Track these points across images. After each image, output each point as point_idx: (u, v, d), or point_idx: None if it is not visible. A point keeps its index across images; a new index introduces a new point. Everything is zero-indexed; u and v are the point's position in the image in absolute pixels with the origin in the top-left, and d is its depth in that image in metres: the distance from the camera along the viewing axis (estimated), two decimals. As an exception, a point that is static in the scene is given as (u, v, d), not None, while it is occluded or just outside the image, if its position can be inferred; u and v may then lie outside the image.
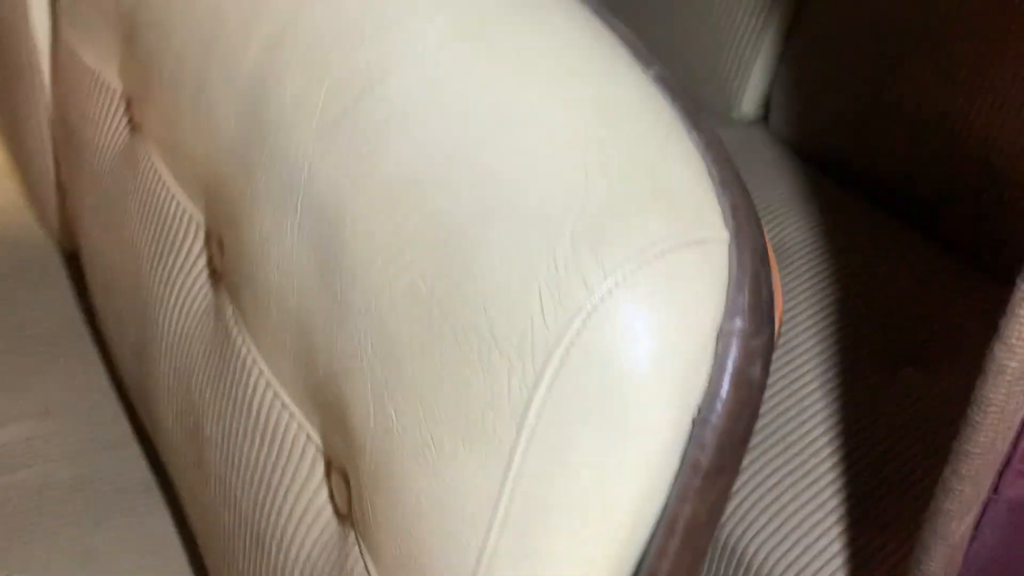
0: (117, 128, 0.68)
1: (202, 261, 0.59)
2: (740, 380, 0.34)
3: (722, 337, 0.34)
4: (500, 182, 0.36)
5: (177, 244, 0.61)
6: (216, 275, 0.57)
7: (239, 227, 0.51)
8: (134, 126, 0.66)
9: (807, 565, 0.72)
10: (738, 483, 0.77)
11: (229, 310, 0.54)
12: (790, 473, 0.77)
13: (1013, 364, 0.38)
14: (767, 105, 1.16)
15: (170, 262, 0.61)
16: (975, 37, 0.91)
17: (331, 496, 0.46)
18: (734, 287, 0.35)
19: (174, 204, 0.61)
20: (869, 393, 0.83)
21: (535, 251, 0.34)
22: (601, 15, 0.43)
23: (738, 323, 0.34)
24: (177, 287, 0.61)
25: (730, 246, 0.35)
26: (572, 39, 0.41)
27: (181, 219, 0.60)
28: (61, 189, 0.88)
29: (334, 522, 0.46)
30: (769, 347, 0.36)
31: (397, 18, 0.43)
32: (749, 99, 1.16)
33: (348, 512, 0.45)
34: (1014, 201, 0.85)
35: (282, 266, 0.46)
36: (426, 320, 0.37)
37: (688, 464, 0.34)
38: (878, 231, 0.99)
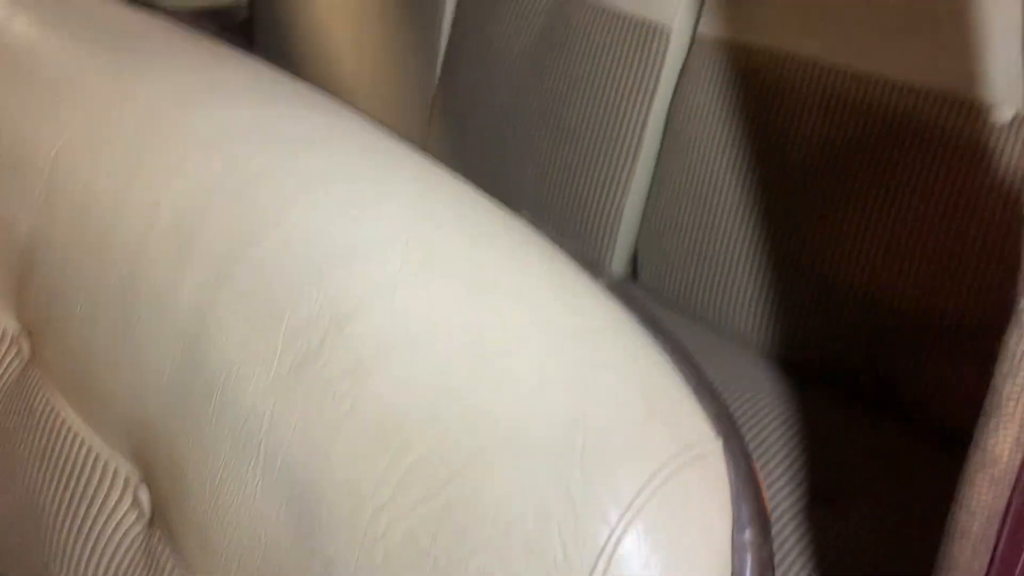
0: (6, 369, 0.63)
1: (123, 509, 0.54)
2: (759, 592, 0.35)
3: (736, 552, 0.35)
4: (496, 418, 0.36)
5: (91, 492, 0.56)
6: (147, 524, 0.52)
7: (181, 474, 0.47)
8: (27, 366, 0.62)
9: None
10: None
11: (168, 566, 0.49)
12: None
13: (975, 528, 0.41)
14: (635, 261, 1.23)
15: (83, 511, 0.56)
16: (822, 184, 1.01)
17: None
18: (737, 497, 0.36)
19: (83, 448, 0.57)
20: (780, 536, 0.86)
21: (547, 488, 0.34)
22: (545, 233, 0.45)
23: (748, 535, 0.35)
24: (93, 540, 0.55)
25: (724, 454, 0.36)
26: (529, 260, 0.42)
27: (94, 465, 0.56)
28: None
29: None
30: (772, 552, 0.37)
31: (354, 252, 0.43)
32: (619, 258, 1.22)
33: None
34: (898, 339, 0.93)
35: (243, 519, 0.43)
36: (429, 572, 0.36)
37: None
38: (768, 376, 1.05)
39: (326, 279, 0.43)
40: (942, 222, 0.94)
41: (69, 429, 0.58)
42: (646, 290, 1.21)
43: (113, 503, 0.55)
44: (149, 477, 0.52)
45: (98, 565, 0.54)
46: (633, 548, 0.33)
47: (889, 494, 0.88)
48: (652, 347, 0.39)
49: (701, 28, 1.11)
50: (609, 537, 0.33)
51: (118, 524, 0.54)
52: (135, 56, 0.59)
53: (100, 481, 0.56)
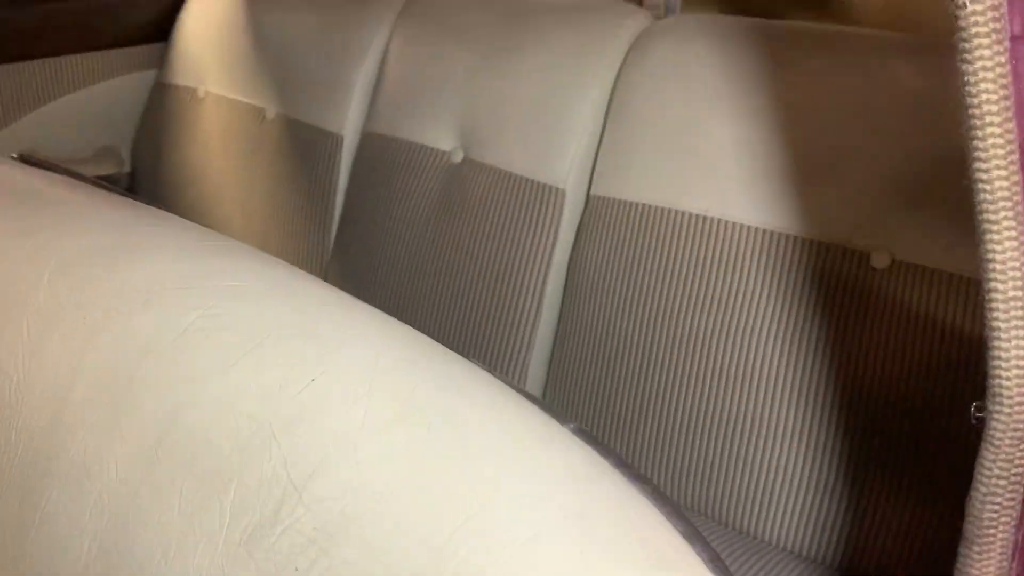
0: None
1: None
2: None
3: None
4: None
5: None
6: None
7: None
8: None
9: None
10: None
11: None
12: None
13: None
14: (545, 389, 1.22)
15: None
16: (717, 333, 1.04)
17: None
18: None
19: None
20: None
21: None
22: (509, 383, 0.44)
23: None
24: None
25: (726, 602, 0.35)
26: (500, 406, 0.41)
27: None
28: None
29: None
30: None
31: (310, 407, 0.40)
32: (531, 388, 1.21)
33: None
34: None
35: None
36: None
37: None
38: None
39: (279, 439, 0.39)
40: (838, 361, 0.98)
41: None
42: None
43: None
44: None
45: None
46: None
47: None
48: (635, 492, 0.38)
49: (594, 189, 1.16)
50: None
51: None
52: (45, 216, 0.55)
53: None
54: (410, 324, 1.43)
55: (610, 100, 1.16)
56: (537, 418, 0.40)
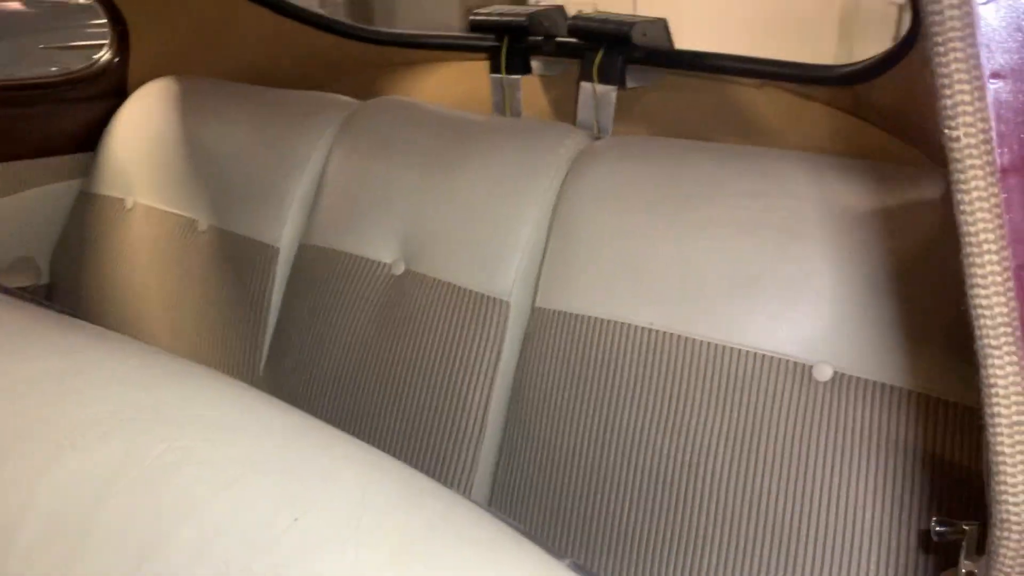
0: None
1: None
2: None
3: None
4: None
5: None
6: None
7: None
8: None
9: None
10: None
11: None
12: None
13: None
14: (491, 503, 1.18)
15: None
16: (665, 446, 1.03)
17: None
18: None
19: None
20: None
21: None
22: (502, 518, 0.42)
23: None
24: None
25: None
26: (499, 549, 0.38)
27: None
28: None
29: None
30: None
31: (299, 546, 0.37)
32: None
33: None
34: None
35: None
36: None
37: None
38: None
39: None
40: (784, 473, 0.98)
41: None
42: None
43: None
44: None
45: None
46: None
47: None
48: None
49: (539, 302, 1.16)
50: None
51: None
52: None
53: None
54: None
55: (552, 214, 1.18)
56: (534, 556, 0.38)
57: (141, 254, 1.50)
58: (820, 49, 4.20)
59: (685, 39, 1.45)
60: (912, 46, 1.11)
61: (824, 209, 1.02)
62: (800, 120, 1.44)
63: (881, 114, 1.32)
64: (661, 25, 1.41)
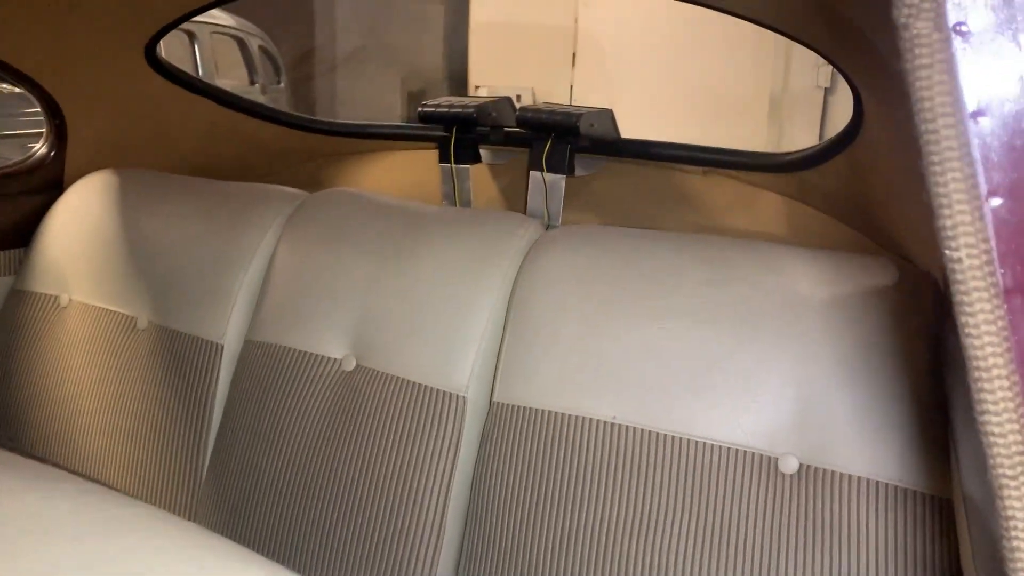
0: None
1: None
2: None
3: None
4: None
5: None
6: None
7: None
8: None
9: None
10: None
11: None
12: None
13: None
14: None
15: None
16: (632, 540, 1.00)
17: None
18: None
19: None
20: None
21: None
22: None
23: None
24: None
25: None
26: None
27: None
28: None
29: None
30: None
31: None
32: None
33: None
34: None
35: None
36: None
37: None
38: None
39: None
40: (750, 564, 0.96)
41: None
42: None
43: None
44: None
45: None
46: None
47: None
48: None
49: (497, 396, 1.13)
50: None
51: None
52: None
53: None
54: (296, 552, 1.32)
55: (508, 306, 1.16)
56: None
57: (77, 354, 1.43)
58: (751, 131, 4.35)
59: (622, 123, 1.47)
60: (855, 135, 1.13)
61: (780, 299, 1.02)
62: (746, 205, 1.46)
63: (825, 199, 1.34)
64: (608, 115, 1.43)
